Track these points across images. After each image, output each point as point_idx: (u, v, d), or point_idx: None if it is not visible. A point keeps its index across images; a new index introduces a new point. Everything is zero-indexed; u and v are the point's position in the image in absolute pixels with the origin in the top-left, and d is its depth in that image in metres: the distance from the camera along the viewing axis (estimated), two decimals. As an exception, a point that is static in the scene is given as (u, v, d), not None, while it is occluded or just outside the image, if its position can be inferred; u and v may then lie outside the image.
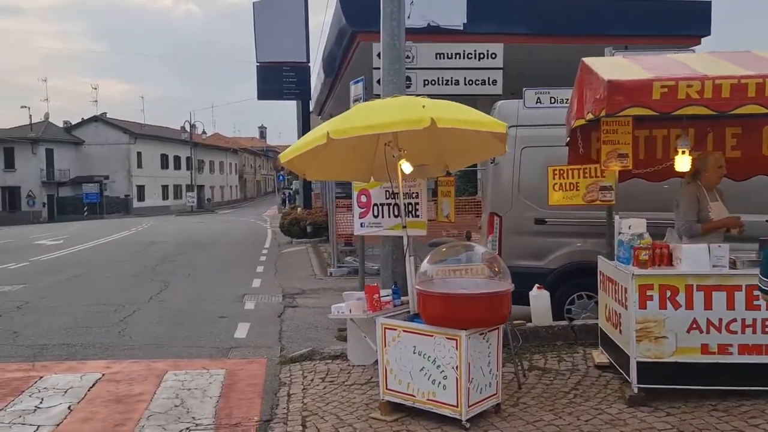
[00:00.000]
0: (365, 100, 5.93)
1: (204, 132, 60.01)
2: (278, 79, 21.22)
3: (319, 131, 4.34)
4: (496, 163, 6.97)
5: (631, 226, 4.52)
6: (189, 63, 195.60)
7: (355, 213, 5.92)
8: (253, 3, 21.23)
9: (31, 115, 54.43)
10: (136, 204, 57.03)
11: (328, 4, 22.58)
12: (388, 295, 4.85)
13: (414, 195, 5.55)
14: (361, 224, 5.88)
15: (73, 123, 59.56)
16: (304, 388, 5.18)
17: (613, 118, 4.17)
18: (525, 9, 11.69)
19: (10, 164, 52.68)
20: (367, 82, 6.81)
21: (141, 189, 58.54)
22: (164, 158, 62.71)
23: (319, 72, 23.44)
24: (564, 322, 6.17)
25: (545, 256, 6.77)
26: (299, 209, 22.34)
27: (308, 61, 21.52)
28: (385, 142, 4.76)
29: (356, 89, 6.30)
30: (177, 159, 64.67)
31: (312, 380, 5.40)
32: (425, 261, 4.43)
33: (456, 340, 4.04)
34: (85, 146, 56.64)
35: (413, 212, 5.55)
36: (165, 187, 62.74)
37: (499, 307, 4.12)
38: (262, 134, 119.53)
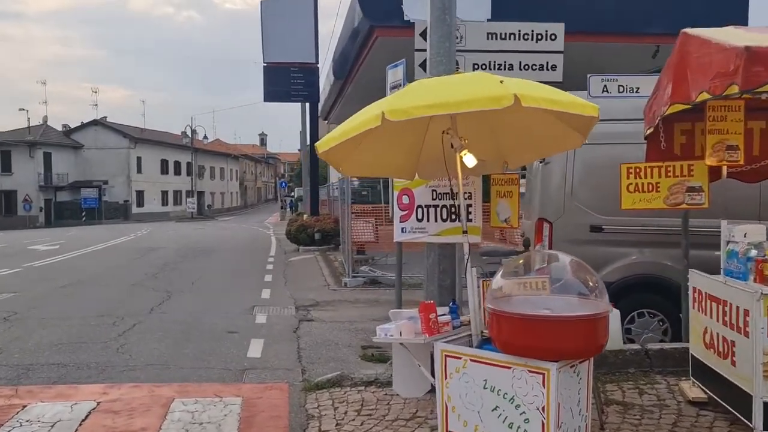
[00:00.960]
0: (407, 84, 5.10)
1: (205, 137, 59.36)
2: (285, 81, 20.46)
3: (369, 112, 3.53)
4: (546, 162, 6.18)
5: (747, 234, 3.69)
6: (190, 70, 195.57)
7: (395, 216, 5.09)
8: (261, 2, 20.50)
9: (29, 118, 53.70)
10: (135, 210, 56.16)
11: (340, 3, 21.90)
12: (444, 314, 4.01)
13: (466, 195, 4.73)
14: (402, 229, 5.04)
15: (72, 127, 58.78)
16: (337, 424, 4.35)
17: (752, 93, 3.34)
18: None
19: (6, 168, 51.85)
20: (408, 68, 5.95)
21: (140, 194, 57.70)
22: (164, 163, 61.91)
23: (328, 74, 22.70)
24: (636, 346, 5.33)
25: (602, 268, 5.92)
26: (305, 216, 21.50)
27: (317, 62, 20.74)
28: (444, 130, 3.94)
29: (395, 74, 5.48)
30: (177, 164, 63.88)
31: (345, 413, 4.56)
32: (498, 274, 3.59)
33: (543, 374, 3.21)
34: (84, 150, 55.83)
35: (466, 216, 4.73)
36: (165, 193, 61.92)
37: (598, 333, 3.28)
38: (263, 141, 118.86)
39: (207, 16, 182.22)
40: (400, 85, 5.28)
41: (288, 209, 54.60)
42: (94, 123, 57.51)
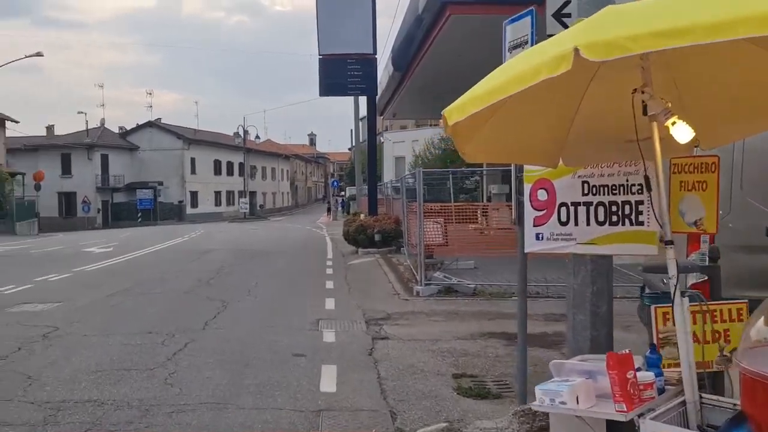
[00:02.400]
0: (536, 42, 3.75)
1: (257, 137, 59.09)
2: (342, 73, 19.35)
3: (546, 53, 2.22)
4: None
5: None
6: (241, 72, 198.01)
7: (526, 217, 3.76)
8: (316, -10, 19.43)
9: (87, 121, 54.58)
10: (189, 210, 56.38)
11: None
12: (640, 369, 2.64)
13: (631, 188, 3.36)
14: (538, 236, 3.70)
15: (128, 129, 59.49)
16: None
17: None
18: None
19: (66, 170, 52.72)
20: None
21: (194, 195, 57.90)
22: (217, 164, 62.07)
23: (387, 65, 21.47)
24: None
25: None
26: (363, 216, 20.34)
27: (375, 53, 19.54)
28: (637, 88, 2.60)
29: (517, 29, 4.12)
30: (230, 165, 63.99)
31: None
32: (759, 320, 2.24)
33: None
34: (139, 152, 56.36)
35: (632, 218, 3.37)
36: (218, 194, 62.07)
37: None
38: (312, 141, 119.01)
39: (257, 19, 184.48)
40: (526, 43, 3.93)
41: (340, 209, 53.80)
42: (149, 125, 58.05)
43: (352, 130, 54.25)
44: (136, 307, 9.25)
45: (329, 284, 11.84)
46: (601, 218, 3.46)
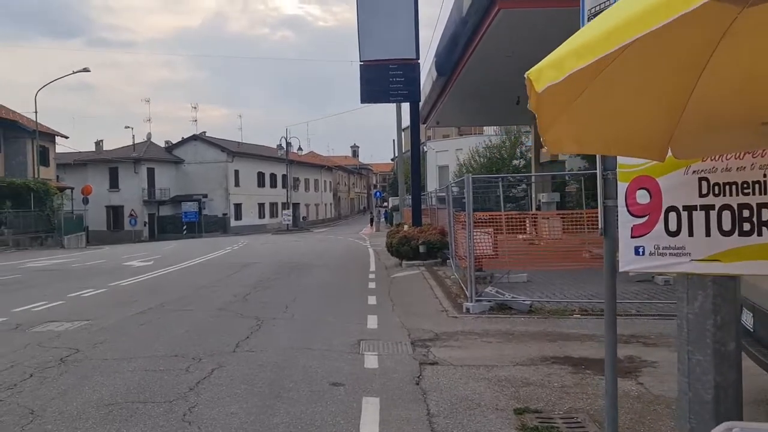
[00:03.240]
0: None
1: (300, 149, 59.09)
2: (384, 79, 18.66)
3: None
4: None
5: None
6: (285, 86, 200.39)
7: (621, 226, 2.92)
8: (357, -5, 18.85)
9: (134, 136, 55.71)
10: (233, 223, 56.66)
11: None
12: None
13: (754, 186, 2.50)
14: (638, 250, 2.84)
15: (173, 143, 60.32)
16: None
17: None
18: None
19: (114, 184, 53.66)
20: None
21: (238, 207, 58.19)
22: (261, 176, 62.35)
23: (430, 70, 20.71)
24: None
25: None
26: (406, 227, 19.55)
27: (418, 58, 18.80)
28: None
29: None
30: (273, 177, 64.22)
31: None
32: None
33: None
34: (184, 165, 57.01)
35: (754, 226, 2.49)
36: (261, 205, 62.29)
37: None
38: (355, 153, 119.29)
39: (301, 34, 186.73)
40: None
41: (382, 220, 53.16)
42: (194, 138, 58.71)
43: (394, 140, 53.58)
44: (166, 326, 8.66)
45: (371, 300, 11.09)
46: (726, 226, 2.59)
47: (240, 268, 18.00)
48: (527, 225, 13.79)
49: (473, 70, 15.93)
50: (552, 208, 19.97)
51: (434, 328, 8.42)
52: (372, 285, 13.23)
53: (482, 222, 12.71)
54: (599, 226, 3.28)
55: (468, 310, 9.40)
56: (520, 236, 12.53)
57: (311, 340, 7.68)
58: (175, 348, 7.15)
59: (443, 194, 22.46)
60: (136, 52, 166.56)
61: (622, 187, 2.92)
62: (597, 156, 3.36)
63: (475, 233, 11.34)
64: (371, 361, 6.64)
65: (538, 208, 21.41)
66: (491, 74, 16.59)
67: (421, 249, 16.72)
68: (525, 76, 1.90)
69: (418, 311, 9.85)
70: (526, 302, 9.35)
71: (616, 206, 3.11)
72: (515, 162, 34.26)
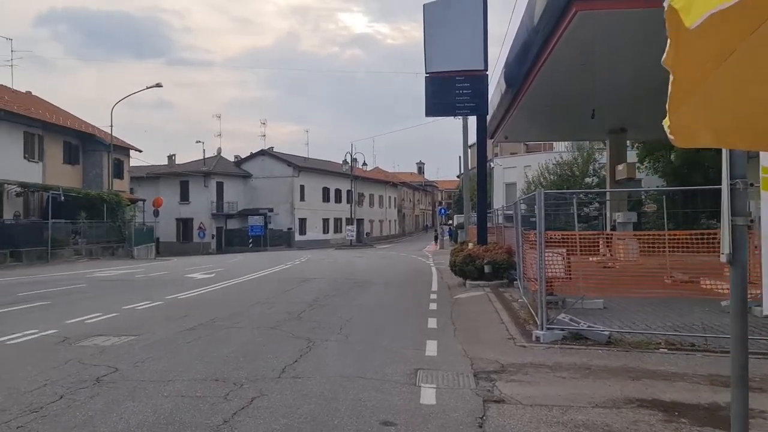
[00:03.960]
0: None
1: (365, 164, 59.07)
2: (450, 92, 17.98)
3: None
4: None
5: None
6: (354, 104, 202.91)
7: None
8: (424, 5, 18.31)
9: (204, 150, 57.12)
10: (297, 237, 57.07)
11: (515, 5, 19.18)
12: None
13: None
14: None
15: (242, 157, 61.55)
16: None
17: None
18: None
19: (185, 197, 55.11)
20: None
21: (303, 222, 58.62)
22: (326, 191, 62.70)
23: (499, 82, 19.91)
24: None
25: None
26: (471, 245, 18.70)
27: (486, 69, 18.04)
28: None
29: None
30: (338, 192, 64.47)
31: None
32: None
33: None
34: (252, 179, 58.00)
35: None
36: (326, 221, 62.57)
37: None
38: (420, 170, 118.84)
39: (370, 52, 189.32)
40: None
41: (447, 237, 52.24)
42: (262, 153, 59.72)
43: (460, 157, 52.76)
44: (212, 344, 8.20)
45: (432, 322, 10.35)
46: None
47: (299, 283, 17.62)
48: (600, 246, 12.75)
49: (545, 81, 15.04)
50: (628, 228, 18.69)
51: (500, 358, 7.61)
52: (433, 306, 12.49)
53: (554, 242, 11.77)
54: (723, 251, 2.48)
55: (538, 338, 8.51)
56: (592, 258, 11.54)
57: (364, 367, 7.03)
58: (218, 370, 6.64)
59: (510, 212, 21.51)
60: (211, 71, 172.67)
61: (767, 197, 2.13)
62: (723, 159, 2.57)
63: (546, 254, 10.46)
64: (428, 395, 5.91)
65: (613, 229, 20.14)
66: (564, 85, 15.65)
67: (486, 269, 15.84)
68: (665, 5, 1.18)
69: (483, 337, 9.04)
70: (604, 332, 8.38)
71: (747, 225, 2.34)
72: (588, 180, 32.75)
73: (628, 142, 24.07)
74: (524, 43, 14.14)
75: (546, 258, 10.33)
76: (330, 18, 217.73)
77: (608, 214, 22.55)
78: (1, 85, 37.27)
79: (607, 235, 15.09)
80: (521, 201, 13.05)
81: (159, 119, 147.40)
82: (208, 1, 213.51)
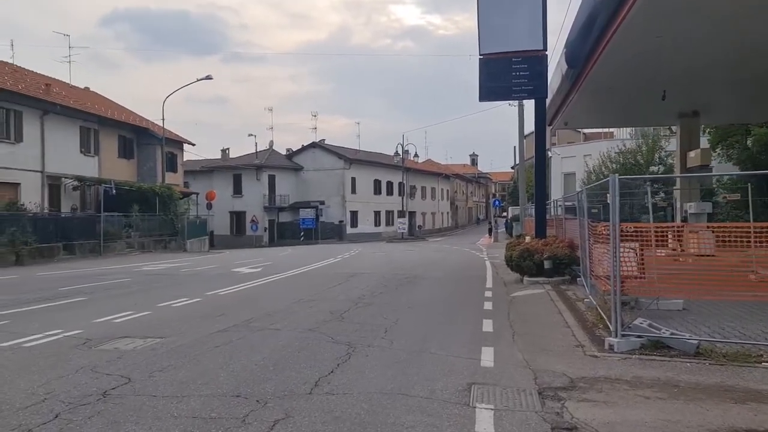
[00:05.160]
0: None
1: (416, 155, 57.98)
2: (506, 75, 16.76)
3: None
4: None
5: None
6: (406, 97, 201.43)
7: None
8: (478, -19, 17.11)
9: (256, 143, 57.15)
10: (349, 230, 56.56)
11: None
12: None
13: None
14: None
15: (294, 150, 61.43)
16: None
17: None
18: None
19: (237, 190, 55.38)
20: None
21: (354, 215, 58.06)
22: (377, 183, 61.96)
23: (559, 63, 18.54)
24: None
25: None
26: (528, 238, 17.48)
27: (545, 49, 16.73)
28: None
29: None
30: (389, 184, 63.63)
31: None
32: None
33: None
34: (303, 172, 57.79)
35: None
36: (377, 213, 61.86)
37: None
38: (473, 161, 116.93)
39: (422, 44, 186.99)
40: None
41: (502, 230, 50.69)
42: (313, 146, 59.43)
43: (515, 147, 51.04)
44: (242, 349, 7.40)
45: (487, 325, 9.31)
46: None
47: (346, 278, 16.81)
48: (669, 239, 11.37)
49: (611, 59, 13.65)
50: (702, 219, 17.07)
51: (568, 371, 6.53)
52: (488, 305, 11.42)
53: (626, 235, 10.51)
54: None
55: (612, 347, 7.37)
56: (660, 251, 10.18)
57: (408, 380, 6.08)
58: (242, 383, 5.82)
59: (571, 203, 20.10)
60: (265, 66, 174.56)
61: None
62: None
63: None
64: (484, 420, 4.92)
65: (684, 220, 18.54)
66: (633, 64, 14.20)
67: (546, 264, 14.63)
68: None
69: (546, 345, 7.95)
70: (691, 341, 7.16)
71: None
72: (653, 168, 30.76)
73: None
74: (590, 15, 12.81)
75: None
76: (382, 10, 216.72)
77: (678, 205, 20.86)
78: (60, 80, 37.92)
79: (687, 227, 13.58)
80: (587, 189, 11.78)
81: (215, 115, 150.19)
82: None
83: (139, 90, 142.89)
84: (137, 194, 34.49)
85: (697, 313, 9.31)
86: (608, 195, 8.06)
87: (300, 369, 6.44)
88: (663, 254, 10.28)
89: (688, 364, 6.69)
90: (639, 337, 7.47)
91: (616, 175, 7.61)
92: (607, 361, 6.96)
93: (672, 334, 7.42)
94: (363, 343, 7.77)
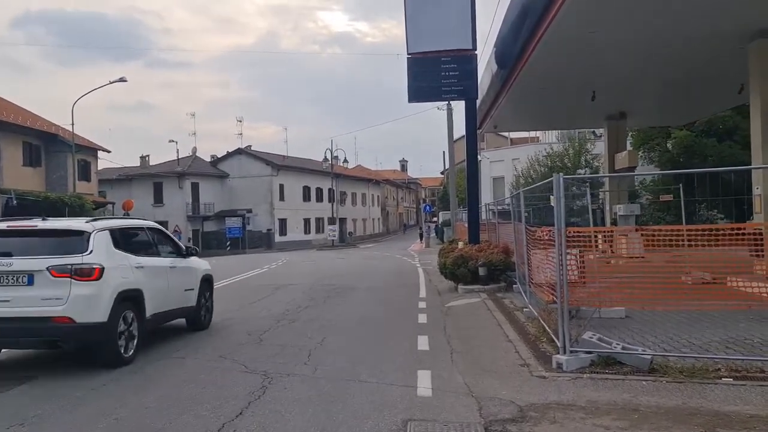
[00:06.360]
0: None
1: (346, 161, 56.99)
2: (435, 74, 16.07)
3: None
4: None
5: None
6: (335, 103, 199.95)
7: None
8: (404, -23, 16.38)
9: (178, 150, 54.60)
10: (278, 238, 54.88)
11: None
12: None
13: None
14: None
15: (218, 157, 59.20)
16: None
17: None
18: None
19: (158, 199, 52.72)
20: None
21: (283, 222, 56.46)
22: (306, 190, 60.59)
23: (489, 64, 18.08)
24: None
25: None
26: (461, 244, 16.84)
27: (475, 49, 16.18)
28: None
29: None
30: (319, 191, 62.39)
31: None
32: None
33: None
34: (229, 179, 55.72)
35: None
36: (307, 221, 60.46)
37: None
38: (403, 167, 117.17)
39: (350, 50, 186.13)
40: None
41: (432, 235, 50.46)
42: (239, 152, 57.46)
43: (444, 152, 50.97)
44: (134, 390, 6.19)
45: (422, 342, 8.45)
46: None
47: (271, 291, 15.65)
48: (600, 241, 10.90)
49: (542, 58, 13.20)
50: (630, 221, 16.92)
51: (516, 397, 5.74)
52: (423, 318, 10.59)
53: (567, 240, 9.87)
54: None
55: (560, 365, 6.64)
56: (590, 256, 9.64)
57: (332, 421, 5.10)
58: (124, 436, 4.68)
59: (502, 207, 19.70)
60: (192, 71, 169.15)
61: None
62: None
63: (553, 256, 8.58)
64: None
65: (614, 222, 18.45)
66: (563, 64, 13.84)
67: (481, 271, 13.99)
68: None
69: (488, 364, 7.16)
70: (645, 356, 6.52)
71: None
72: (580, 171, 31.06)
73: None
74: (521, 11, 12.29)
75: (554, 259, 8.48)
76: (309, 16, 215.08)
77: (608, 207, 20.85)
78: (-46, 83, 34.75)
79: (635, 230, 13.17)
80: (522, 192, 11.17)
81: (140, 122, 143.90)
82: (188, 2, 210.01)
83: (55, 95, 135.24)
84: (44, 204, 31.81)
85: (640, 321, 8.80)
86: (551, 197, 7.40)
87: (201, 412, 5.34)
88: (592, 258, 9.73)
89: (645, 383, 6.02)
90: (588, 353, 6.78)
91: (561, 174, 6.90)
92: (557, 382, 6.21)
93: (622, 347, 6.78)
94: (282, 372, 6.73)
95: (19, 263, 6.81)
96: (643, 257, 8.91)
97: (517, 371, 6.73)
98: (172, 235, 10.23)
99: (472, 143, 17.28)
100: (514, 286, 13.09)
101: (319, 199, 62.19)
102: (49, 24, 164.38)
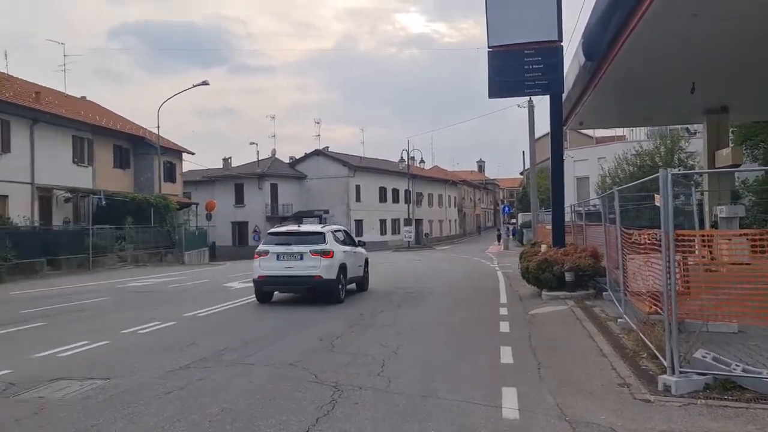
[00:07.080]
0: None
1: (422, 161, 56.39)
2: (518, 68, 15.24)
3: None
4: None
5: None
6: (412, 104, 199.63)
7: None
8: (486, -33, 15.63)
9: (258, 152, 55.82)
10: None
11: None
12: None
13: None
14: None
15: (297, 158, 60.04)
16: None
17: None
18: None
19: (239, 200, 54.00)
20: None
21: (359, 223, 56.53)
22: (382, 191, 60.43)
23: (576, 56, 17.03)
24: None
25: None
26: (544, 247, 15.88)
27: (561, 40, 15.23)
28: None
29: None
30: (395, 192, 62.10)
31: None
32: None
33: None
34: (307, 180, 56.36)
35: None
36: (383, 221, 60.29)
37: None
38: (481, 168, 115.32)
39: (428, 51, 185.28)
40: None
41: (511, 237, 49.09)
42: (316, 153, 58.03)
43: (524, 152, 49.48)
44: (197, 397, 5.85)
45: (505, 354, 7.75)
46: None
47: (345, 294, 15.27)
48: (696, 246, 9.80)
49: (635, 48, 12.12)
50: (733, 224, 15.44)
51: (616, 423, 4.99)
52: (504, 327, 9.86)
53: (658, 243, 8.86)
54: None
55: (668, 388, 5.80)
56: (690, 260, 8.58)
57: (408, 445, 4.54)
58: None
59: (588, 208, 18.52)
60: (273, 76, 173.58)
61: None
62: None
63: (655, 262, 7.66)
64: None
65: (714, 225, 16.93)
66: (659, 53, 12.67)
67: (568, 277, 13.07)
68: None
69: (581, 381, 6.38)
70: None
71: None
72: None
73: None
74: (609, 3, 11.31)
75: (655, 266, 7.57)
76: (387, 19, 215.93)
77: (707, 209, 19.21)
78: (53, 90, 36.72)
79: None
80: (617, 191, 10.21)
81: (224, 126, 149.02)
82: (269, 8, 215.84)
83: (146, 103, 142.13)
84: (132, 205, 33.10)
85: (758, 336, 7.73)
86: (656, 195, 6.54)
87: (266, 426, 4.91)
88: (692, 263, 8.70)
89: (772, 411, 5.12)
90: (702, 374, 5.90)
91: (669, 170, 6.05)
92: (666, 407, 5.39)
93: (744, 370, 5.85)
94: (353, 384, 6.23)
95: (295, 248, 12.93)
96: (748, 264, 7.88)
97: (615, 392, 5.94)
98: (351, 234, 16.31)
99: (557, 141, 16.31)
100: (604, 293, 12.12)
101: (396, 200, 61.89)
102: (142, 34, 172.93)
